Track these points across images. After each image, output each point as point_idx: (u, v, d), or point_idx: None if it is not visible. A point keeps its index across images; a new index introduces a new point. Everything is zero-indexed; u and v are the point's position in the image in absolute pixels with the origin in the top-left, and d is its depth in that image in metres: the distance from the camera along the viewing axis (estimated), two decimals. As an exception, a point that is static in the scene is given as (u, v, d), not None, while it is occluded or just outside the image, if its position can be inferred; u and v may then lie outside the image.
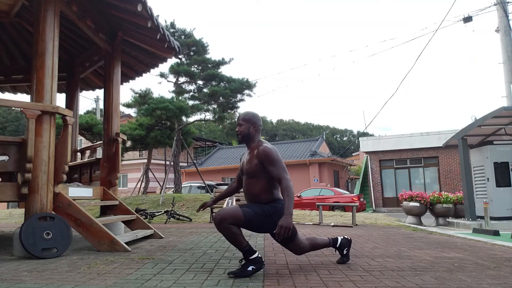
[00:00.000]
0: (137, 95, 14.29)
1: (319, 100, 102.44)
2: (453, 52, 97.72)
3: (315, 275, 2.70)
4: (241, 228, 2.71)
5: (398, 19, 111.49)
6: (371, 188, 20.07)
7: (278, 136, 56.56)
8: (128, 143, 14.52)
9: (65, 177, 4.01)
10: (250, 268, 2.66)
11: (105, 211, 5.17)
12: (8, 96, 32.95)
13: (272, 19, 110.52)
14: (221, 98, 14.13)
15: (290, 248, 2.94)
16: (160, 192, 12.04)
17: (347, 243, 3.17)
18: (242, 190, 3.05)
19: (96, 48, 6.04)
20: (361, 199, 18.45)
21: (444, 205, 10.10)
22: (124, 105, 14.57)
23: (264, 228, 2.80)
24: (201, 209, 3.20)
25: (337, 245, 3.15)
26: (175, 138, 13.57)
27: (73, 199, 4.09)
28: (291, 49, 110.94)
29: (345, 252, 3.15)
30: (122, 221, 5.12)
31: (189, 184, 17.21)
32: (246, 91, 14.36)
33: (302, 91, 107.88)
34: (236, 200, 7.12)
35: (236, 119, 2.96)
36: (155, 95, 14.23)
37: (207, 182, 14.49)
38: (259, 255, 2.75)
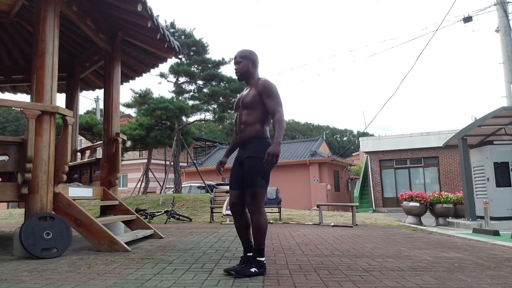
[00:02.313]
0: (137, 95, 14.29)
1: (319, 100, 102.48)
2: (453, 52, 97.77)
3: (315, 275, 2.69)
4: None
5: (398, 19, 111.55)
6: (371, 188, 20.05)
7: (278, 136, 56.34)
8: (128, 143, 14.51)
9: (65, 177, 4.01)
10: (253, 270, 2.65)
11: (105, 211, 5.17)
12: (8, 96, 32.95)
13: (272, 19, 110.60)
14: (221, 98, 14.13)
15: (249, 195, 2.72)
16: (160, 192, 12.04)
17: (261, 267, 2.69)
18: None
19: (96, 48, 6.04)
20: None
21: (444, 205, 10.09)
22: (124, 105, 14.59)
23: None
24: (221, 169, 3.14)
25: (257, 258, 2.70)
26: (175, 138, 13.57)
27: (73, 199, 4.09)
28: (291, 49, 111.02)
29: (253, 270, 2.64)
30: (122, 221, 5.12)
31: (189, 184, 17.20)
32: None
33: (302, 91, 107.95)
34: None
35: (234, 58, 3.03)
36: (155, 95, 14.26)
37: (207, 182, 14.48)
38: (265, 261, 2.76)
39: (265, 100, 2.76)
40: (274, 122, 2.73)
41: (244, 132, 2.84)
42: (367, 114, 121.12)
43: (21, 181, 3.74)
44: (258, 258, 2.70)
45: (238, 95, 3.08)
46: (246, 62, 2.90)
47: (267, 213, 8.77)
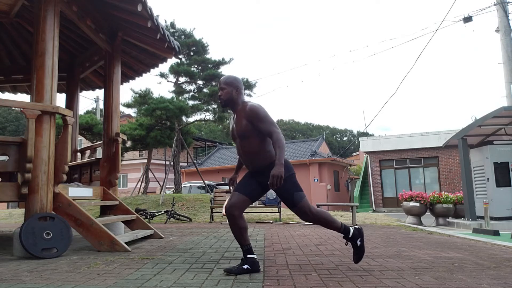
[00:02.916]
0: (137, 95, 14.29)
1: (319, 100, 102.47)
2: (453, 52, 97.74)
3: (315, 275, 2.70)
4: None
5: (398, 19, 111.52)
6: (371, 188, 20.06)
7: (278, 136, 56.29)
8: (128, 143, 14.51)
9: (65, 177, 4.01)
10: (245, 267, 2.74)
11: (105, 211, 5.17)
12: (8, 96, 32.96)
13: (272, 19, 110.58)
14: (221, 98, 14.11)
15: (296, 212, 2.81)
16: (160, 192, 12.04)
17: (359, 233, 2.91)
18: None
19: (96, 48, 6.04)
20: None
21: (444, 205, 10.09)
22: (124, 105, 14.58)
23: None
24: (231, 187, 3.15)
25: (350, 236, 2.88)
26: (175, 138, 13.56)
27: (73, 199, 4.09)
28: (291, 49, 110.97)
29: (359, 243, 2.88)
30: (122, 221, 5.12)
31: (189, 184, 17.19)
32: (246, 91, 14.37)
33: (302, 91, 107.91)
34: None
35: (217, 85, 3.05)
36: (155, 95, 14.24)
37: (207, 182, 14.48)
38: (257, 259, 2.81)
39: (258, 125, 2.74)
40: (273, 142, 2.71)
41: (254, 163, 2.84)
42: (367, 114, 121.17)
43: (21, 181, 3.74)
44: (248, 255, 2.78)
45: (229, 123, 3.04)
46: (230, 89, 2.87)
47: (266, 213, 8.80)
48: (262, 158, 2.81)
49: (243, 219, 2.81)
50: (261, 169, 2.83)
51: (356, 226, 2.95)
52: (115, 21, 5.40)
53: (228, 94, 2.87)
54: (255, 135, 2.78)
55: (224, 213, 7.85)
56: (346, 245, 3.03)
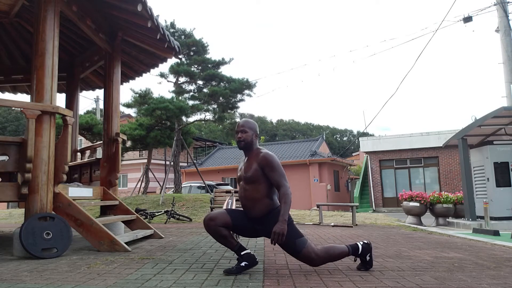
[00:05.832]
0: (137, 95, 14.27)
1: (319, 100, 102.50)
2: (453, 52, 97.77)
3: (315, 275, 2.70)
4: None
5: (398, 19, 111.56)
6: (371, 188, 20.06)
7: (278, 136, 56.50)
8: (128, 143, 14.50)
9: (65, 177, 4.01)
10: (243, 264, 2.76)
11: (105, 211, 5.17)
12: (8, 96, 32.95)
13: (272, 19, 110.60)
14: (221, 98, 14.13)
15: (301, 259, 2.81)
16: (160, 192, 12.04)
17: (368, 247, 2.89)
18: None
19: (96, 48, 6.04)
20: None
21: (444, 205, 10.09)
22: (124, 105, 14.56)
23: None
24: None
25: (359, 252, 2.88)
26: (175, 138, 13.56)
27: (73, 199, 4.09)
28: (291, 49, 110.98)
29: (368, 258, 2.88)
30: (122, 221, 5.12)
31: (189, 184, 17.21)
32: (246, 91, 14.38)
33: (302, 91, 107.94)
34: (237, 201, 7.11)
35: (237, 125, 2.99)
36: (155, 95, 14.22)
37: (207, 182, 14.49)
38: (251, 252, 2.84)
39: (269, 174, 2.76)
40: (280, 196, 2.72)
41: (254, 209, 2.82)
42: (367, 114, 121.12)
43: (21, 181, 3.74)
44: (241, 252, 2.81)
45: (240, 166, 3.04)
46: (251, 133, 2.90)
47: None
48: (262, 205, 2.80)
49: (221, 228, 2.78)
50: (259, 217, 2.82)
51: (365, 241, 2.92)
52: (115, 21, 5.40)
53: (249, 138, 2.90)
54: (262, 182, 2.78)
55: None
56: (354, 261, 2.97)
